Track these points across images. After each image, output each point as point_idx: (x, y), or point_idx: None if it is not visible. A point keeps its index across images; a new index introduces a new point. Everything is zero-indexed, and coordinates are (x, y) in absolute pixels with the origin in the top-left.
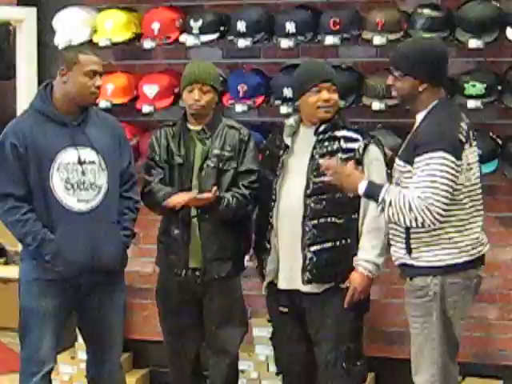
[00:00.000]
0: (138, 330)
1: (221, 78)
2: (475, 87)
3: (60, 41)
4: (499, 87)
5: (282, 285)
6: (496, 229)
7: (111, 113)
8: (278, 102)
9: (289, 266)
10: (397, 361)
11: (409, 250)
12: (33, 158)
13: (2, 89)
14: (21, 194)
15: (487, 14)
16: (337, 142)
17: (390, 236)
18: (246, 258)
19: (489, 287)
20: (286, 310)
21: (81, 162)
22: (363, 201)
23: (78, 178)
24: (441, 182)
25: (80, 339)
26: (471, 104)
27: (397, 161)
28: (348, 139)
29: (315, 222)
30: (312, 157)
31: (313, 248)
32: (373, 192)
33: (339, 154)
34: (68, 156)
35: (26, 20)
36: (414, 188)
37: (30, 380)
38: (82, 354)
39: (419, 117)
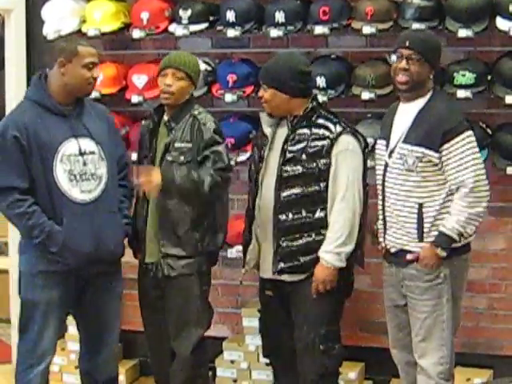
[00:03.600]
0: (127, 320)
1: (208, 69)
2: (465, 77)
3: (49, 31)
4: (489, 77)
5: (265, 274)
6: (486, 218)
7: (100, 103)
8: None
9: (269, 256)
10: (386, 350)
11: (421, 235)
12: (36, 150)
13: None
14: (25, 187)
15: (477, 3)
16: (307, 130)
17: (390, 224)
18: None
19: (479, 277)
20: (271, 293)
21: (81, 153)
22: (330, 193)
23: (80, 168)
24: (479, 156)
25: (70, 330)
26: (461, 93)
27: (407, 146)
28: (321, 126)
29: (285, 215)
30: (283, 150)
31: (282, 240)
32: (447, 242)
33: (308, 143)
34: (69, 147)
35: (14, 10)
36: (463, 175)
37: (29, 373)
38: (71, 345)
39: (419, 102)
